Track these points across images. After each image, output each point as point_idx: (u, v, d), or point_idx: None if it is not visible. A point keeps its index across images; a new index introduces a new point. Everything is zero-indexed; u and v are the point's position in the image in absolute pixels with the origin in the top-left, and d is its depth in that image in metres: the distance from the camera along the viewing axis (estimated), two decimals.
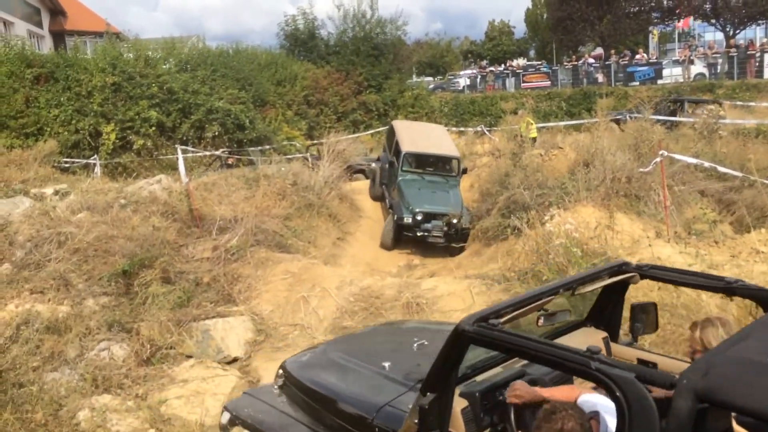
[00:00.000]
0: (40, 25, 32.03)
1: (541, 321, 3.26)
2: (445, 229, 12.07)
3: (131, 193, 10.63)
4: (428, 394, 2.92)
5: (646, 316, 3.63)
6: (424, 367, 3.61)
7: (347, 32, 29.08)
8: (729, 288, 3.18)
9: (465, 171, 14.32)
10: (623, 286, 3.69)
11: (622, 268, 3.53)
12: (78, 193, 10.60)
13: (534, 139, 15.99)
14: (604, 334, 3.77)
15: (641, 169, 8.98)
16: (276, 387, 4.36)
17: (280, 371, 4.41)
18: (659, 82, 27.81)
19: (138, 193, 10.66)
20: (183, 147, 16.17)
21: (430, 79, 38.73)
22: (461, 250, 12.23)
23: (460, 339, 2.79)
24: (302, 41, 29.54)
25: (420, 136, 14.69)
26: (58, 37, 32.71)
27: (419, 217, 12.17)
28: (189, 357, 6.91)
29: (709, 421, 2.11)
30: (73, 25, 33.16)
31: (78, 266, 7.98)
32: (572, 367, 2.47)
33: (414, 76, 35.54)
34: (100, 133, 16.15)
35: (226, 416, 4.31)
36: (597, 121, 13.75)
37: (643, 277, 3.51)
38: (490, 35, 53.79)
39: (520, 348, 2.65)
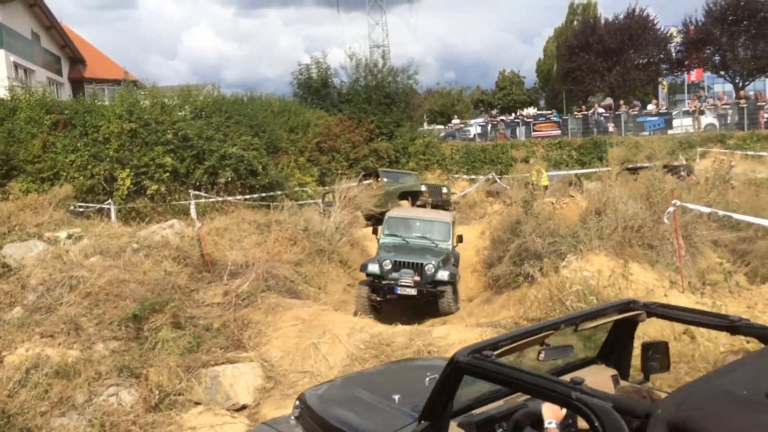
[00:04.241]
0: (59, 72, 32.76)
1: (542, 355, 3.32)
2: (417, 278, 10.59)
3: (144, 237, 10.69)
4: (422, 422, 3.06)
5: (657, 355, 3.66)
6: None
7: (359, 81, 29.47)
8: (732, 326, 3.21)
9: (460, 239, 12.13)
10: (633, 324, 3.73)
11: (629, 305, 3.59)
12: (91, 237, 10.65)
13: (545, 187, 16.03)
14: (614, 371, 3.81)
15: (662, 222, 8.81)
16: (293, 417, 4.44)
17: (297, 402, 4.51)
18: (669, 132, 27.92)
19: (150, 237, 10.72)
20: (196, 192, 16.33)
21: (441, 127, 39.03)
22: (442, 311, 10.58)
23: (454, 369, 2.92)
24: (315, 89, 29.96)
25: (412, 211, 14.12)
26: (77, 84, 33.40)
27: (387, 266, 10.75)
28: (197, 404, 6.83)
29: None
30: (92, 73, 33.89)
31: (89, 310, 7.98)
32: (555, 397, 2.58)
33: (425, 124, 35.76)
34: (115, 179, 16.32)
35: None
36: (609, 170, 13.76)
37: (650, 315, 3.55)
38: (501, 85, 54.53)
39: (507, 378, 2.77)
